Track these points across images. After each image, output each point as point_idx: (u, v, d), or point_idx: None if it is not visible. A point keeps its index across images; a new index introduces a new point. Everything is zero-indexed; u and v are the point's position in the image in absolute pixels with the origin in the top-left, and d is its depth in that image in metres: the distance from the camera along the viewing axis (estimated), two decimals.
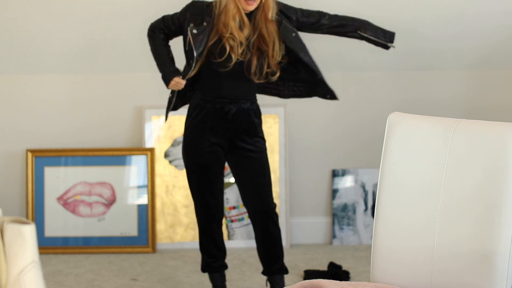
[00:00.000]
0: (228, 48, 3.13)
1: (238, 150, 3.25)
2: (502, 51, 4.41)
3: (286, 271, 3.36)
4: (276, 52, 3.21)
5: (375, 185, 4.48)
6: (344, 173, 4.53)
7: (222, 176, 3.31)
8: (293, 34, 3.22)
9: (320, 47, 4.36)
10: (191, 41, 3.13)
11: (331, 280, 1.98)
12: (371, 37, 3.29)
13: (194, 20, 3.16)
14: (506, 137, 1.92)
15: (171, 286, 3.81)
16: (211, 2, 3.21)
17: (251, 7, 3.11)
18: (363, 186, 4.53)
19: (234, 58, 3.13)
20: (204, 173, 3.26)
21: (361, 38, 3.31)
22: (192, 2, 3.24)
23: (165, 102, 4.45)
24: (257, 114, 3.30)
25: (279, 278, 3.34)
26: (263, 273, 3.38)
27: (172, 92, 3.33)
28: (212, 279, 3.45)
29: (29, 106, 4.47)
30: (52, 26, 4.20)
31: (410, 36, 4.29)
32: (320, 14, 3.32)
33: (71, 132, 4.49)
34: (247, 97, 3.25)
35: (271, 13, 3.15)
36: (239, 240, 4.43)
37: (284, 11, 3.26)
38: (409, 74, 4.51)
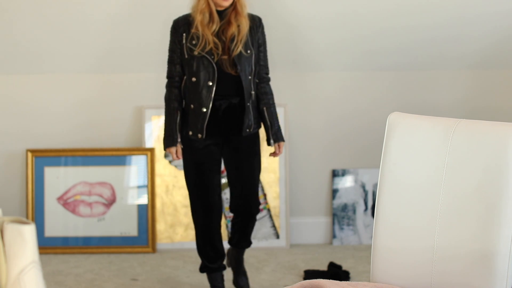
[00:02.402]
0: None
1: (231, 148, 3.36)
2: (502, 51, 4.41)
3: (250, 243, 3.59)
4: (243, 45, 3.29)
5: (375, 185, 4.48)
6: (344, 173, 4.53)
7: (218, 175, 3.39)
8: (248, 51, 3.30)
9: (320, 47, 4.36)
10: (187, 46, 3.29)
11: (331, 280, 1.98)
12: (267, 120, 3.39)
13: (184, 31, 3.31)
14: (506, 137, 1.92)
15: (171, 286, 3.81)
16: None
17: (227, 3, 3.22)
18: (363, 186, 4.52)
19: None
20: (199, 170, 3.34)
21: (261, 115, 3.40)
22: (174, 21, 3.37)
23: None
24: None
25: (243, 251, 3.61)
26: (230, 243, 3.58)
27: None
28: (210, 280, 3.52)
29: (29, 106, 4.47)
30: (52, 26, 4.20)
31: (410, 37, 4.29)
32: (263, 72, 3.41)
33: (71, 132, 4.49)
34: (236, 93, 3.30)
35: (244, 10, 3.27)
36: None
37: (262, 28, 3.38)
38: (409, 74, 4.51)
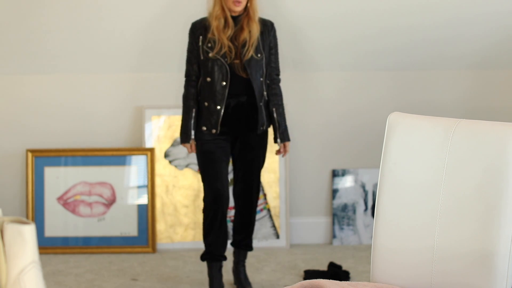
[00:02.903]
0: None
1: (242, 144, 3.59)
2: (502, 51, 4.41)
3: (251, 248, 3.74)
4: (256, 50, 3.51)
5: (375, 185, 4.48)
6: (344, 173, 4.53)
7: (226, 164, 3.60)
8: (259, 55, 3.52)
9: (320, 47, 4.36)
10: (203, 48, 3.50)
11: (331, 280, 1.98)
12: (276, 120, 3.60)
13: (201, 34, 3.52)
14: (506, 137, 1.92)
15: (171, 286, 3.81)
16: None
17: (239, 8, 3.45)
18: (363, 186, 4.52)
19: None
20: (210, 159, 3.56)
21: (270, 115, 3.61)
22: (192, 24, 3.57)
23: (165, 102, 4.45)
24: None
25: (244, 252, 3.73)
26: (233, 244, 3.73)
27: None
28: (209, 268, 3.65)
29: (29, 106, 4.47)
30: (52, 27, 4.20)
31: (410, 37, 4.29)
32: (274, 74, 3.62)
33: (71, 132, 4.49)
34: (245, 92, 3.52)
35: (256, 15, 3.50)
36: None
37: (273, 32, 3.60)
38: (409, 74, 4.51)
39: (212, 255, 3.61)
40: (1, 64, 4.38)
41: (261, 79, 3.53)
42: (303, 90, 4.50)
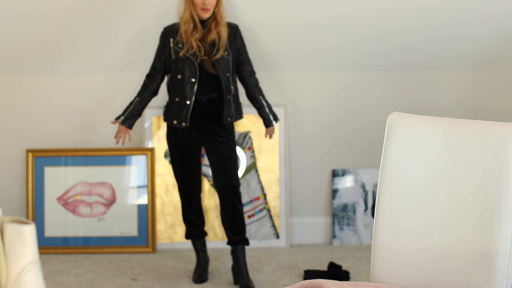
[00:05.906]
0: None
1: (210, 134, 3.79)
2: (503, 52, 4.41)
3: (247, 242, 3.85)
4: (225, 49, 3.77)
5: (375, 185, 4.48)
6: (344, 173, 4.53)
7: (199, 157, 3.87)
8: (226, 53, 3.76)
9: (320, 47, 4.36)
10: (174, 49, 3.75)
11: (331, 280, 1.98)
12: (265, 106, 3.88)
13: (171, 37, 3.79)
14: (506, 137, 1.92)
15: (171, 286, 3.81)
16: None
17: (206, 15, 3.74)
18: (363, 186, 4.52)
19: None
20: (183, 155, 3.82)
21: (259, 102, 3.88)
22: (164, 28, 3.85)
23: (165, 102, 4.46)
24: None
25: (242, 248, 3.83)
26: (228, 243, 3.85)
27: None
28: (194, 245, 4.00)
29: (29, 106, 4.47)
30: (52, 26, 4.20)
31: (410, 38, 4.29)
32: (250, 68, 3.88)
33: (71, 132, 4.49)
34: (215, 88, 3.76)
35: (223, 20, 3.77)
36: None
37: (238, 33, 3.84)
38: (409, 74, 4.51)
39: (193, 234, 3.97)
40: (1, 64, 4.38)
41: (228, 74, 3.77)
42: (303, 90, 4.50)
